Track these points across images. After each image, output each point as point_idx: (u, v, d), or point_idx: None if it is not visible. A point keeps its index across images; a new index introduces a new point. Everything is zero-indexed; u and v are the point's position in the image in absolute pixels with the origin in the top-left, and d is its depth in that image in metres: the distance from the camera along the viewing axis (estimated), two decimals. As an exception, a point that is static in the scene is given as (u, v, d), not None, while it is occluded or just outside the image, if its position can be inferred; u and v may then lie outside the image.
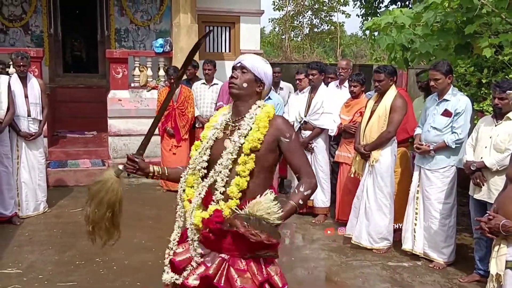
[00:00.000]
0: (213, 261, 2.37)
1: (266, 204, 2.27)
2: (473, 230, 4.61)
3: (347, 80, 6.28)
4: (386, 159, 5.06)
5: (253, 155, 2.35)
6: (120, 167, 2.54)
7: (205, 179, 2.44)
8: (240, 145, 2.37)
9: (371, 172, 5.12)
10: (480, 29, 4.52)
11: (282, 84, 7.71)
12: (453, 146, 4.67)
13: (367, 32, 5.93)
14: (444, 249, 4.80)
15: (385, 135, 5.01)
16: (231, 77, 2.48)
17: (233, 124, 2.48)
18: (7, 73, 6.73)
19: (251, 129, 2.39)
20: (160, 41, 8.56)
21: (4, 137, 5.68)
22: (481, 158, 4.30)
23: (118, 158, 8.10)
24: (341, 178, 5.97)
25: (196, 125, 7.41)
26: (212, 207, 2.37)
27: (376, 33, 5.93)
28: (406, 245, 5.02)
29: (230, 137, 2.45)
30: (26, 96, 5.93)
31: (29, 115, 5.94)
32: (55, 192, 6.77)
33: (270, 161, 2.43)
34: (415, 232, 4.93)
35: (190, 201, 2.47)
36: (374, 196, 5.11)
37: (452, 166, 4.77)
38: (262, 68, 2.49)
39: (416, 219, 4.93)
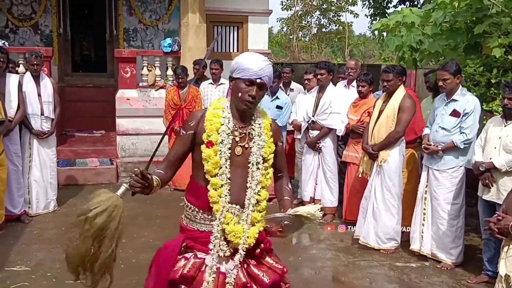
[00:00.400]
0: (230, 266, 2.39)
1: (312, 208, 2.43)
2: (481, 231, 4.58)
3: (355, 80, 6.26)
4: (394, 159, 5.04)
5: (270, 167, 2.53)
6: (125, 186, 2.18)
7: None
8: (262, 158, 2.45)
9: (379, 172, 5.10)
10: (489, 29, 4.49)
11: (293, 85, 7.69)
12: (462, 147, 4.64)
13: (376, 32, 5.91)
14: (452, 250, 4.77)
15: (394, 135, 4.99)
16: (250, 95, 2.35)
17: (240, 131, 2.44)
18: (17, 72, 6.78)
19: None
20: (169, 40, 8.58)
21: (14, 136, 5.72)
22: (490, 158, 4.27)
23: (126, 157, 8.14)
24: (348, 178, 5.95)
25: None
26: (253, 231, 2.40)
27: (384, 34, 5.92)
28: (414, 246, 5.00)
29: (240, 144, 2.42)
30: (39, 95, 5.98)
31: (42, 114, 5.99)
32: (63, 191, 6.80)
33: None
34: (422, 232, 4.91)
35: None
36: (382, 197, 5.09)
37: (461, 166, 4.74)
38: (271, 78, 2.46)
39: (424, 220, 4.91)
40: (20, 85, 5.74)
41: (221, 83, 7.41)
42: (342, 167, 6.27)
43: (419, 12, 4.66)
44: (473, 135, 4.64)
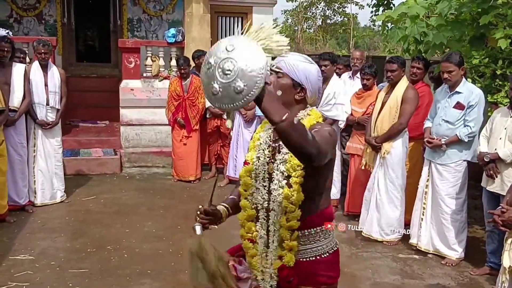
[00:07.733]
0: None
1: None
2: (485, 223, 4.56)
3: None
4: (397, 151, 5.02)
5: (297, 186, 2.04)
6: (198, 227, 2.11)
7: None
8: (284, 175, 2.06)
9: (382, 164, 5.08)
10: (495, 20, 4.46)
11: None
12: (466, 140, 4.56)
13: (380, 22, 5.89)
14: (455, 245, 4.71)
15: (397, 126, 4.96)
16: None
17: (273, 144, 2.12)
18: (23, 62, 6.75)
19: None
20: (173, 31, 8.56)
21: (19, 125, 5.70)
22: (495, 149, 4.23)
23: (130, 148, 8.15)
24: (352, 170, 5.93)
25: (207, 116, 7.41)
26: (277, 264, 2.11)
27: (389, 25, 5.88)
28: (413, 240, 4.97)
29: (272, 160, 2.11)
30: (46, 85, 5.95)
31: (47, 104, 5.95)
32: (67, 181, 6.81)
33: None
34: (421, 227, 4.88)
35: (251, 241, 2.17)
36: (385, 188, 5.08)
37: (464, 160, 4.66)
38: (303, 69, 2.10)
39: (423, 214, 4.88)
40: (26, 75, 5.72)
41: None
42: (346, 158, 6.26)
43: (424, 3, 4.64)
44: (477, 128, 4.56)
